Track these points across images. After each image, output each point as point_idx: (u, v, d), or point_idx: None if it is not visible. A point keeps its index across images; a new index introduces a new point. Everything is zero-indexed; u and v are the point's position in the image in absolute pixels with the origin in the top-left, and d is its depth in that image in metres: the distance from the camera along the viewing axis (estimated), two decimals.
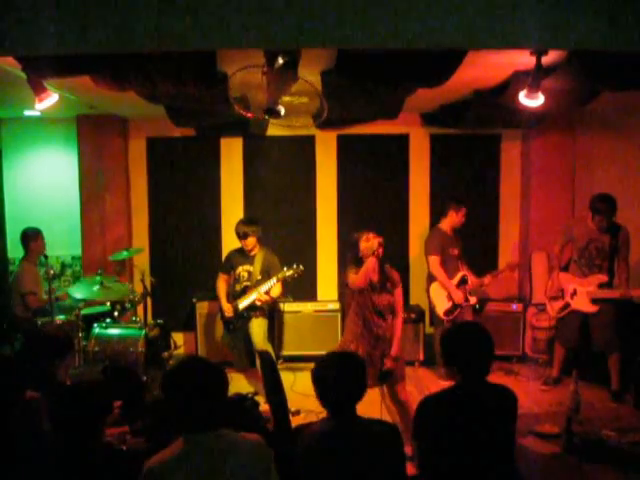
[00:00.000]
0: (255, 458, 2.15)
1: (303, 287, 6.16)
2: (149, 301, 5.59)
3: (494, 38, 2.78)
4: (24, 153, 6.58)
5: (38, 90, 3.76)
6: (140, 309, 5.62)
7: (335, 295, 6.47)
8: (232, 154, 6.57)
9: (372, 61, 3.65)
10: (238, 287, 5.30)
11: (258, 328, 5.23)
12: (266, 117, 4.03)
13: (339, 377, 2.43)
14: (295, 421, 4.04)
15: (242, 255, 5.35)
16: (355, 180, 6.58)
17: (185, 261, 6.56)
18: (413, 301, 6.39)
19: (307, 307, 6.15)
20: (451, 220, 5.63)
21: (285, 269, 5.14)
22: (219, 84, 4.03)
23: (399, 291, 4.10)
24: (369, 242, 3.97)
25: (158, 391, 4.26)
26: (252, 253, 5.30)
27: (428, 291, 5.63)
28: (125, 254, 5.71)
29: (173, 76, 3.86)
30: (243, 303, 5.20)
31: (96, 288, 5.11)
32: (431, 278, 5.59)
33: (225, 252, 5.86)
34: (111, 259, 5.85)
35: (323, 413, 2.49)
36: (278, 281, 5.14)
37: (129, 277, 6.40)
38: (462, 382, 2.58)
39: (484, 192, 6.59)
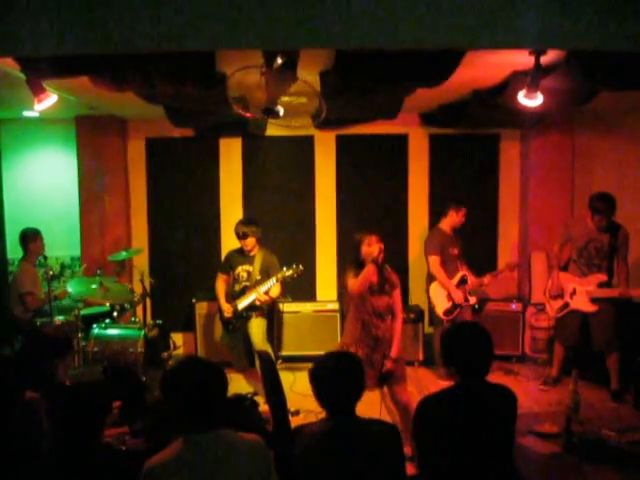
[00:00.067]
0: (254, 458, 2.15)
1: (302, 287, 6.16)
2: (148, 301, 5.59)
3: (493, 38, 2.78)
4: (23, 154, 6.58)
5: (37, 91, 3.76)
6: (139, 309, 5.63)
7: (334, 295, 6.47)
8: (231, 154, 6.57)
9: (371, 61, 3.65)
10: (237, 287, 5.30)
11: (257, 328, 5.23)
12: (265, 117, 4.03)
13: (336, 376, 2.42)
14: (294, 421, 4.04)
15: (241, 255, 5.35)
16: (354, 180, 6.57)
17: (184, 261, 6.56)
18: (412, 301, 6.38)
19: (306, 307, 6.14)
20: (451, 220, 5.63)
21: (284, 269, 5.14)
22: (218, 84, 4.03)
23: (398, 293, 4.09)
24: (370, 247, 3.95)
25: (158, 391, 4.26)
26: (251, 253, 5.30)
27: (428, 291, 5.63)
28: (124, 255, 5.72)
29: (172, 76, 3.86)
30: (242, 303, 5.20)
31: (94, 286, 5.13)
32: (431, 278, 5.59)
33: (224, 252, 5.86)
34: (110, 260, 5.85)
35: (322, 413, 2.48)
36: (277, 281, 5.14)
37: (128, 278, 6.39)
38: (462, 382, 2.58)
39: (483, 192, 6.59)
